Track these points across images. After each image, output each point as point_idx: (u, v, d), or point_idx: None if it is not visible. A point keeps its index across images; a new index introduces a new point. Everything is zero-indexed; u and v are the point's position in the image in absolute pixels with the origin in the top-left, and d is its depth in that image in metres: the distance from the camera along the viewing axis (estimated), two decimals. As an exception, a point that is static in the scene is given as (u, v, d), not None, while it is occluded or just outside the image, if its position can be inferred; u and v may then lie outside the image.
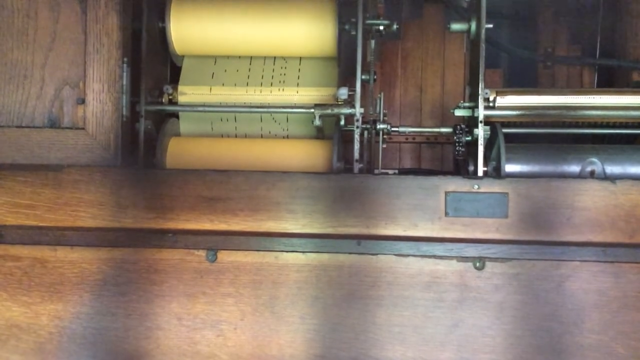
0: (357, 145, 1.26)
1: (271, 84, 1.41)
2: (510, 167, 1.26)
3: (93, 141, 1.18)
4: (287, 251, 1.13)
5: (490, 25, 1.28)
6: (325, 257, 1.12)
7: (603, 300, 1.08)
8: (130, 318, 1.14)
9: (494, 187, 1.11)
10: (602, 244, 1.08)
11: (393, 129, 1.44)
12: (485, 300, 1.09)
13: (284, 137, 1.43)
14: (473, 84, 1.33)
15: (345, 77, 1.63)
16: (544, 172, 1.26)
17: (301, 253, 1.12)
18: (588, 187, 1.09)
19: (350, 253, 1.12)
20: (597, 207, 1.08)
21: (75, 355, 1.14)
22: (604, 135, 1.39)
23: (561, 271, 1.09)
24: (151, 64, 1.32)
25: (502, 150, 1.25)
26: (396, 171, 1.43)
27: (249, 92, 1.40)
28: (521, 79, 1.88)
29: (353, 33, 1.32)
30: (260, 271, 1.13)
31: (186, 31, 1.38)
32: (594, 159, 1.26)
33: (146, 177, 1.17)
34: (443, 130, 1.41)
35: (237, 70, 1.43)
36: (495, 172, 1.26)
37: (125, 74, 1.19)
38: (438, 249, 1.10)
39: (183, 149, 1.39)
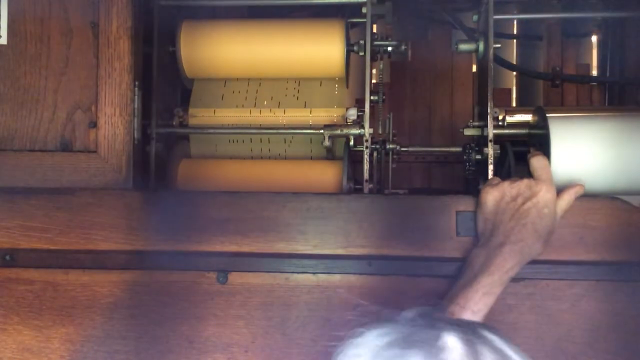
0: (366, 166, 1.26)
1: (281, 106, 1.41)
2: (521, 186, 1.25)
3: (105, 164, 1.19)
4: (297, 272, 1.12)
5: (499, 45, 1.28)
6: (336, 278, 1.11)
7: (618, 320, 1.07)
8: (141, 341, 1.13)
9: (505, 206, 1.10)
10: (617, 263, 1.07)
11: (402, 148, 1.44)
12: (498, 320, 1.08)
13: (294, 158, 1.43)
14: (482, 103, 1.34)
15: (356, 98, 1.64)
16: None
17: (312, 274, 1.12)
18: (601, 205, 1.08)
19: (361, 274, 1.11)
20: (610, 226, 1.07)
21: (87, 378, 1.14)
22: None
23: (575, 291, 1.07)
24: (162, 88, 1.33)
25: (513, 169, 1.24)
26: (406, 191, 1.42)
27: (260, 113, 1.41)
28: (530, 98, 1.88)
29: (361, 54, 1.33)
30: (271, 293, 1.12)
31: (196, 54, 1.39)
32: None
33: (157, 200, 1.17)
34: (453, 149, 1.41)
35: (247, 92, 1.44)
36: (506, 191, 1.25)
37: (136, 97, 1.20)
38: (450, 269, 1.09)
39: (193, 171, 1.39)
